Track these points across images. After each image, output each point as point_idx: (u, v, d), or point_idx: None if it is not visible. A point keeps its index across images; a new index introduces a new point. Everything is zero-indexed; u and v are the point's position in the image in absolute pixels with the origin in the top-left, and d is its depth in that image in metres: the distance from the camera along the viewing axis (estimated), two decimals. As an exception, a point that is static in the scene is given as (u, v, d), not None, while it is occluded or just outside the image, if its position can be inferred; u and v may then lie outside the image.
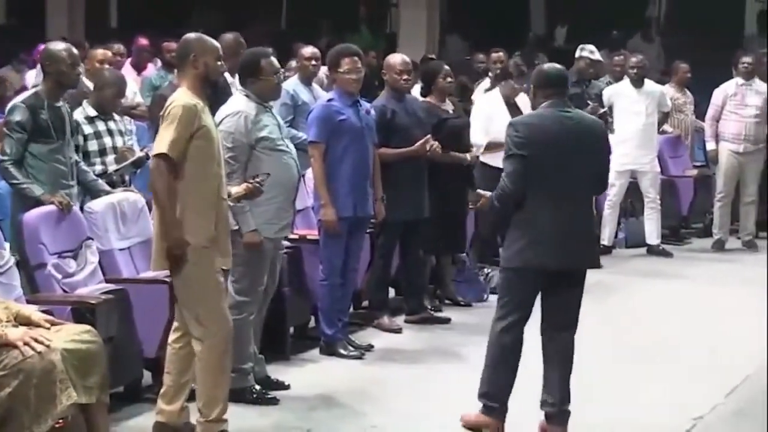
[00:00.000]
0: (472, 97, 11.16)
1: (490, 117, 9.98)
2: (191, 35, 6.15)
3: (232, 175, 6.55)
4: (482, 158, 9.79)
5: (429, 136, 8.59)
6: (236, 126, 6.71)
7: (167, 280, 6.49)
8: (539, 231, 6.14)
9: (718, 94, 12.53)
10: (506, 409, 6.36)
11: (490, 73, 12.30)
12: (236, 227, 6.66)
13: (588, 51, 12.50)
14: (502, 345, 6.30)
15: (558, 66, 6.56)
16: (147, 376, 6.90)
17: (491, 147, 9.82)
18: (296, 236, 8.04)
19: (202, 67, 6.01)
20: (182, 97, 5.93)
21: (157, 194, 5.88)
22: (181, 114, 5.84)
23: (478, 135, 9.83)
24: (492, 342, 6.34)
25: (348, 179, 7.84)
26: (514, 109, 10.09)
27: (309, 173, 8.74)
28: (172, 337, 6.15)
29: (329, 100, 7.93)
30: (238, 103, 6.82)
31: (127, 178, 8.04)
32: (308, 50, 10.26)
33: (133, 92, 10.49)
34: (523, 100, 10.30)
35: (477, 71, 13.48)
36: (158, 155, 5.85)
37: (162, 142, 5.85)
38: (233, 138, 6.69)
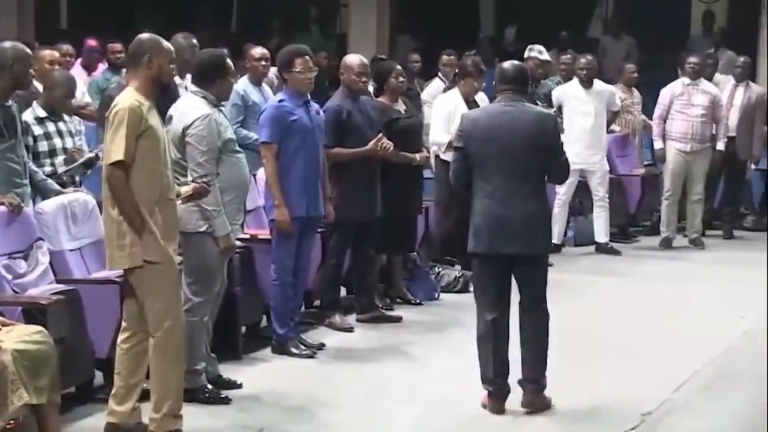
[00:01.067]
0: (422, 96, 11.28)
1: (451, 115, 10.04)
2: (145, 36, 6.13)
3: (210, 176, 6.55)
4: (443, 156, 9.92)
5: (381, 135, 8.61)
6: (209, 129, 6.68)
7: (118, 280, 6.48)
8: (477, 218, 6.66)
9: (665, 94, 12.63)
10: (502, 390, 6.71)
11: (439, 74, 12.36)
12: (201, 230, 6.64)
13: (536, 51, 12.57)
14: (478, 331, 6.75)
15: (517, 63, 6.96)
16: (99, 377, 6.86)
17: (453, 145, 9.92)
18: (247, 236, 8.02)
19: (156, 68, 6.00)
20: (127, 98, 5.91)
21: (122, 204, 5.85)
22: (127, 117, 5.83)
23: (440, 133, 9.93)
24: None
25: (300, 179, 7.84)
26: (474, 106, 10.16)
27: (260, 173, 8.73)
28: (121, 337, 6.12)
29: (280, 101, 7.92)
30: (200, 105, 6.77)
31: (77, 179, 7.99)
32: (258, 51, 10.25)
33: (82, 92, 10.42)
34: (481, 98, 10.40)
35: (411, 71, 13.52)
36: (115, 163, 5.81)
37: (116, 150, 5.81)
38: (207, 141, 6.67)
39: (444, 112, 10.12)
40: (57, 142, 7.89)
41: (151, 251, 5.89)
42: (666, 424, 6.81)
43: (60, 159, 7.85)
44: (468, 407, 6.89)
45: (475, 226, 6.67)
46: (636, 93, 13.39)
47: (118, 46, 11.69)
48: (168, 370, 5.99)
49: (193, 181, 6.49)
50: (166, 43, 6.13)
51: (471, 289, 9.87)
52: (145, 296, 5.97)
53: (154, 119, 5.97)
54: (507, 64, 6.86)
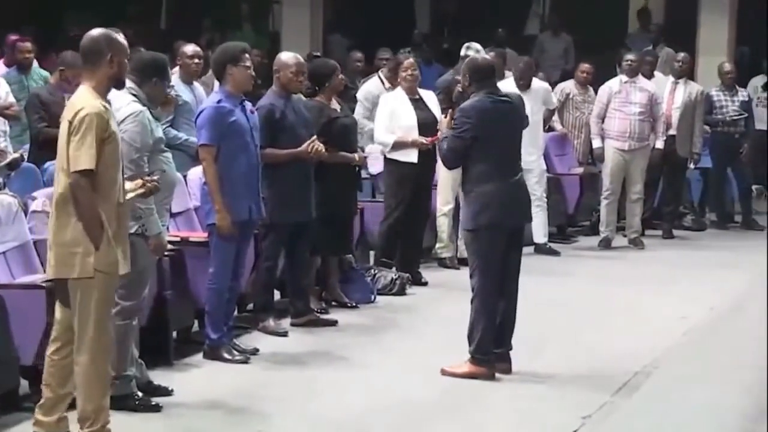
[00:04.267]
0: (357, 95, 11.35)
1: (393, 114, 10.07)
2: (98, 32, 5.99)
3: (157, 173, 6.49)
4: (390, 155, 10.14)
5: (314, 137, 8.58)
6: (141, 127, 6.63)
7: (44, 285, 6.40)
8: (489, 195, 7.36)
9: (602, 92, 12.71)
10: (492, 357, 7.48)
11: (380, 73, 12.30)
12: (132, 231, 6.57)
13: (474, 50, 12.56)
14: (482, 301, 7.39)
15: (487, 57, 8.24)
16: (24, 385, 6.75)
17: (398, 146, 10.01)
18: (177, 238, 7.97)
19: (117, 67, 5.91)
20: (91, 101, 5.78)
21: (84, 213, 5.72)
22: (96, 123, 5.71)
23: (385, 133, 10.00)
24: (474, 301, 7.44)
25: (241, 182, 7.79)
26: (420, 104, 10.24)
27: (190, 174, 8.68)
28: (51, 348, 6.01)
29: (218, 101, 7.85)
30: (132, 102, 6.71)
31: (0, 180, 7.88)
32: (190, 48, 10.19)
33: (6, 92, 10.29)
34: (427, 95, 10.45)
35: (354, 70, 13.59)
36: (81, 172, 5.69)
37: (84, 158, 5.68)
38: (141, 139, 6.61)
39: (387, 110, 10.16)
40: None
41: (105, 261, 5.80)
42: (605, 427, 6.83)
43: None
44: (405, 409, 6.89)
45: (488, 202, 7.37)
46: (591, 92, 13.40)
47: (28, 45, 11.49)
48: (101, 384, 5.90)
49: (142, 179, 6.41)
50: (122, 38, 6.02)
51: (407, 289, 10.04)
52: (85, 306, 5.83)
53: (113, 123, 5.90)
54: (481, 59, 7.91)
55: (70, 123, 5.76)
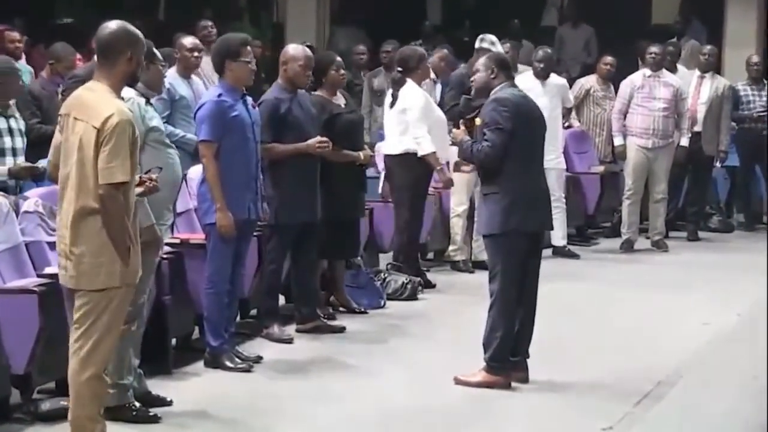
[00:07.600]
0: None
1: (428, 106, 10.09)
2: (116, 26, 5.87)
3: (154, 171, 6.49)
4: (421, 152, 9.99)
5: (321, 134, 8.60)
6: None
7: (36, 289, 6.40)
8: (523, 199, 7.40)
9: (624, 87, 12.68)
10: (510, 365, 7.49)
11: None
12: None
13: (488, 42, 12.56)
14: (502, 307, 7.38)
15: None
16: (15, 394, 6.76)
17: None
18: (178, 240, 7.98)
19: (135, 64, 5.86)
20: (118, 105, 5.71)
21: (113, 225, 5.63)
22: (128, 132, 5.64)
23: (422, 128, 9.97)
24: (493, 307, 7.42)
25: (241, 180, 7.80)
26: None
27: (191, 173, 8.69)
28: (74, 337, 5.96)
29: (219, 96, 7.86)
30: (126, 91, 6.71)
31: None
32: (189, 40, 10.18)
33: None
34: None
35: (357, 64, 13.61)
36: (116, 185, 5.60)
37: (120, 170, 5.59)
38: None
39: (421, 105, 10.09)
40: (6, 141, 7.85)
41: (130, 274, 5.76)
42: (628, 439, 6.86)
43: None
44: (415, 420, 6.90)
45: (513, 203, 7.36)
46: (611, 88, 13.36)
47: (15, 34, 11.51)
48: (96, 391, 5.82)
49: (140, 178, 6.41)
50: (139, 33, 5.94)
51: (419, 294, 10.04)
52: (100, 315, 5.73)
53: (136, 126, 5.87)
54: (503, 53, 8.02)
55: (98, 130, 5.62)
